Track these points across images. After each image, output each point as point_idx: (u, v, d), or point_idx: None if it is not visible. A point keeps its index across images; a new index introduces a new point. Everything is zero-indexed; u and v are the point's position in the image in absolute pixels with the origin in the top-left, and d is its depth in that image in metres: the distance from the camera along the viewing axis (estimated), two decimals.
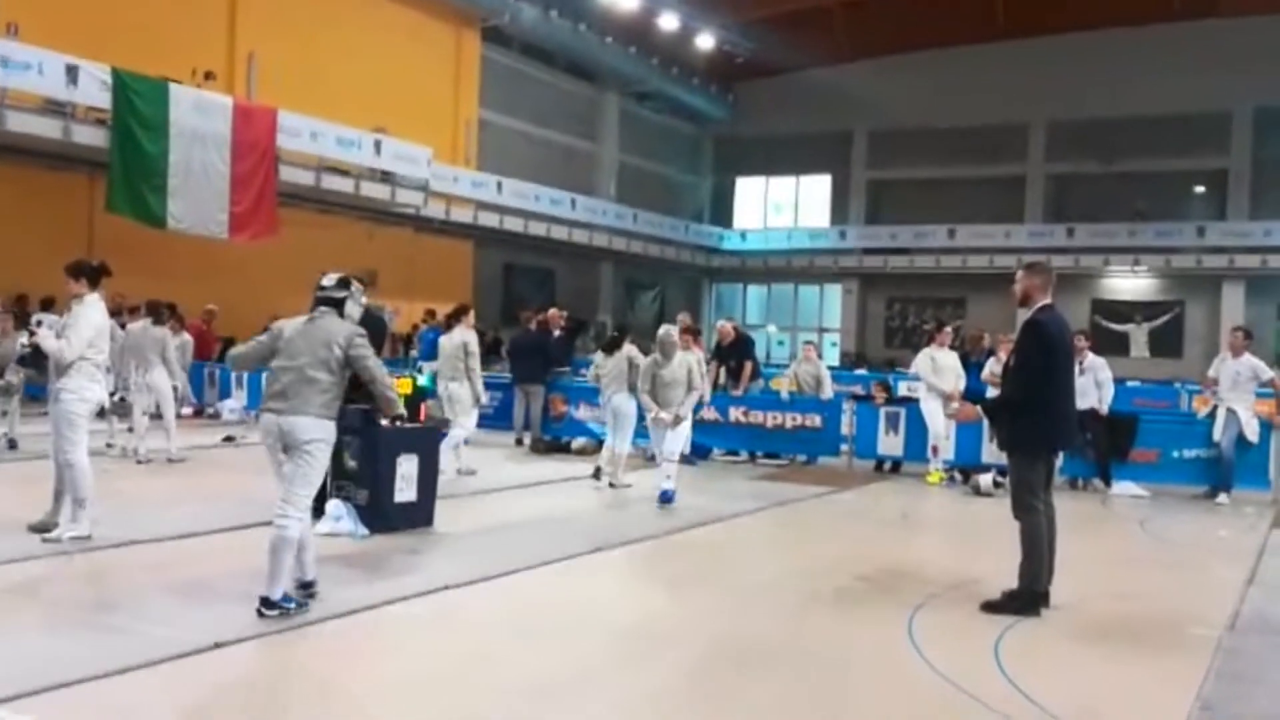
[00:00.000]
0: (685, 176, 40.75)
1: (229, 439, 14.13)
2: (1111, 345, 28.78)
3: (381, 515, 8.25)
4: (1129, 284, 35.60)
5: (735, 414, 14.06)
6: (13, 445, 12.00)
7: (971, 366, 12.76)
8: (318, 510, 7.74)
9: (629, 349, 11.56)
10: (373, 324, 9.59)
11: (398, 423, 7.61)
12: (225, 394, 16.95)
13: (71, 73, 17.54)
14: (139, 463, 11.56)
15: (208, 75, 20.50)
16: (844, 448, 13.78)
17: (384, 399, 6.27)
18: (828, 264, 38.20)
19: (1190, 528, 10.51)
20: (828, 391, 14.67)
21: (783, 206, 41.42)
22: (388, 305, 21.58)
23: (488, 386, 12.63)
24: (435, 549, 7.99)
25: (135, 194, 18.34)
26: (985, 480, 11.78)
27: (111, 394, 10.38)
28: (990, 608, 6.48)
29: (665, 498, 10.37)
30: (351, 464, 8.34)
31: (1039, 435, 6.62)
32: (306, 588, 6.10)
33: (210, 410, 16.69)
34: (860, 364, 31.88)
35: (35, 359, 7.91)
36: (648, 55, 34.29)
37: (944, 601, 6.77)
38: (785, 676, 5.28)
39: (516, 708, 4.70)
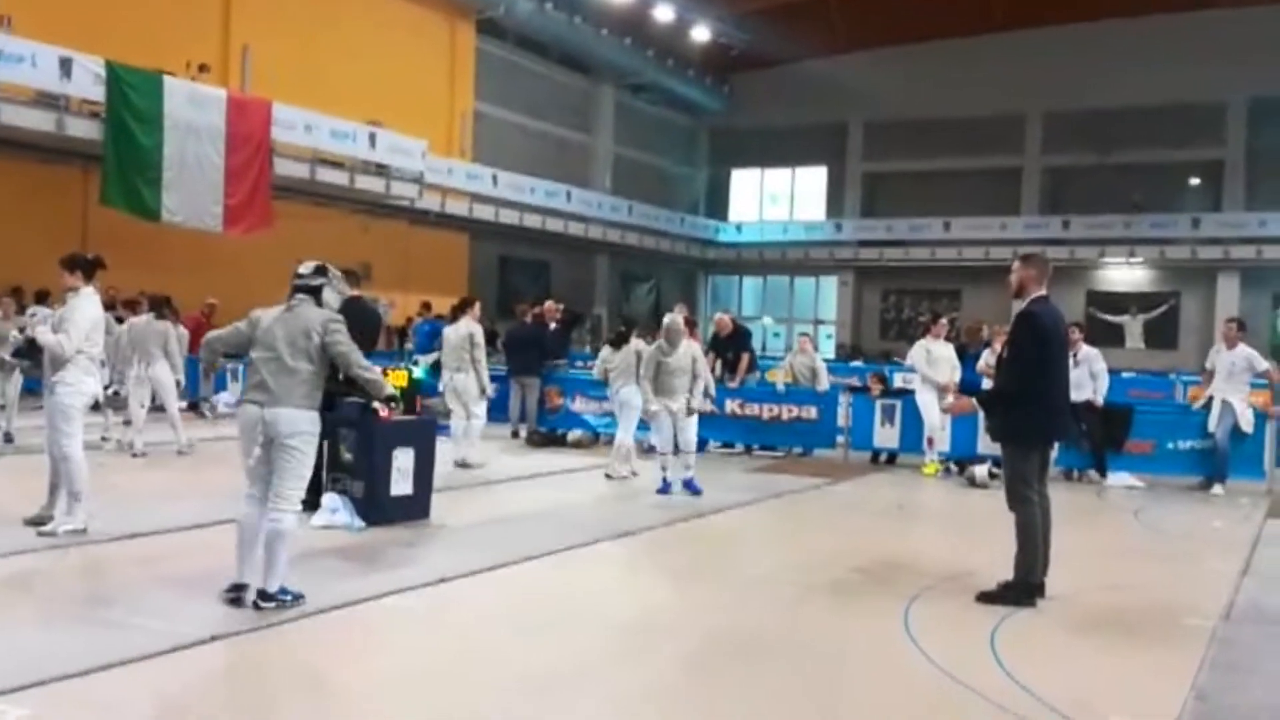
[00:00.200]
0: (680, 168, 40.69)
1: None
2: (1106, 337, 28.76)
3: (378, 508, 8.25)
4: (1124, 275, 35.65)
5: (731, 406, 14.04)
6: (9, 439, 12.00)
7: (968, 358, 12.77)
8: (314, 503, 7.75)
9: (636, 343, 11.62)
10: (368, 317, 9.60)
11: (393, 408, 7.34)
12: (220, 387, 16.91)
13: (65, 65, 17.49)
14: (134, 456, 11.58)
15: (202, 68, 20.46)
16: (840, 439, 13.80)
17: (366, 382, 6.14)
18: (823, 256, 38.23)
19: (1185, 518, 10.53)
20: (823, 383, 14.67)
21: (778, 198, 41.41)
22: (383, 298, 21.59)
23: None
24: (431, 542, 7.99)
25: (129, 187, 18.33)
26: (981, 472, 11.80)
27: (106, 387, 10.38)
28: (986, 599, 6.49)
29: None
30: (347, 457, 8.34)
31: (1033, 427, 6.62)
32: (240, 589, 5.83)
33: (207, 405, 16.56)
34: (856, 356, 31.88)
35: (30, 352, 7.88)
36: (643, 47, 34.25)
37: (940, 593, 6.78)
38: (782, 669, 5.28)
39: (513, 701, 4.70)
